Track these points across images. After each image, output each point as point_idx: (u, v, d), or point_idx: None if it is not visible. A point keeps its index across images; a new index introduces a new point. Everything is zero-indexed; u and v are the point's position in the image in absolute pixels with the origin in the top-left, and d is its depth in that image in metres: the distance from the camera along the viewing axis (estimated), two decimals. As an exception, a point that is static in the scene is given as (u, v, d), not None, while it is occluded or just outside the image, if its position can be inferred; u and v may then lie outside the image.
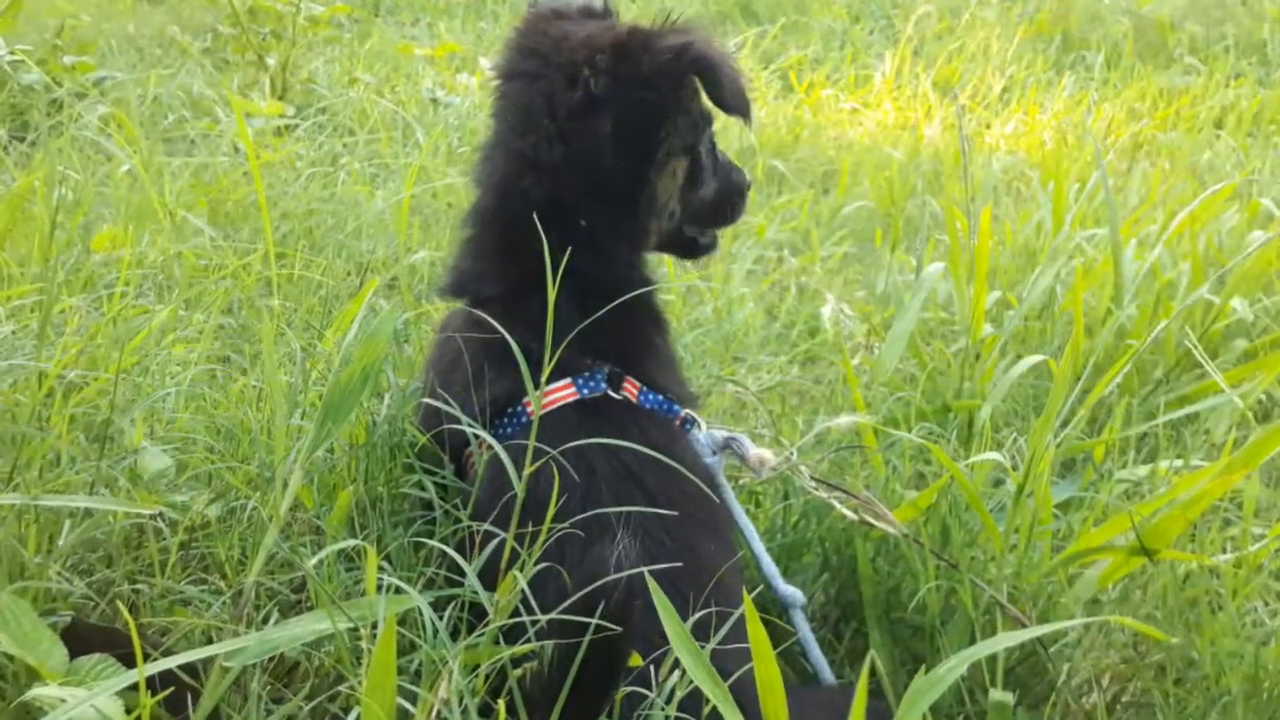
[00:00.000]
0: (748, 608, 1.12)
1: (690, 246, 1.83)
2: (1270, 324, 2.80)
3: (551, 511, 1.33)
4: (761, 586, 1.66)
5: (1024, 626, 1.61)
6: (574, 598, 1.24)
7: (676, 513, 1.44)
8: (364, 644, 1.27)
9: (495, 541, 1.37)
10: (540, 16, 1.69)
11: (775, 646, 1.17)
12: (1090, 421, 2.35)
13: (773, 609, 1.66)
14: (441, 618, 1.34)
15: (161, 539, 1.63)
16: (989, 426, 2.05)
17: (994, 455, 1.84)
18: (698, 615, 1.30)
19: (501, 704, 1.22)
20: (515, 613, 1.31)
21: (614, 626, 1.21)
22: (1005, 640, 1.31)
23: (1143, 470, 2.07)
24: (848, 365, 2.18)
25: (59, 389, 1.76)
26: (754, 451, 1.68)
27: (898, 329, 2.26)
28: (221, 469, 1.71)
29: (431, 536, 1.53)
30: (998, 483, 2.08)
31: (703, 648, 1.18)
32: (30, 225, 2.41)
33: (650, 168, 1.63)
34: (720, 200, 1.78)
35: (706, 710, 1.19)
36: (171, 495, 1.65)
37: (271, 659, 1.47)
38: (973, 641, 1.64)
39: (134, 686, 1.18)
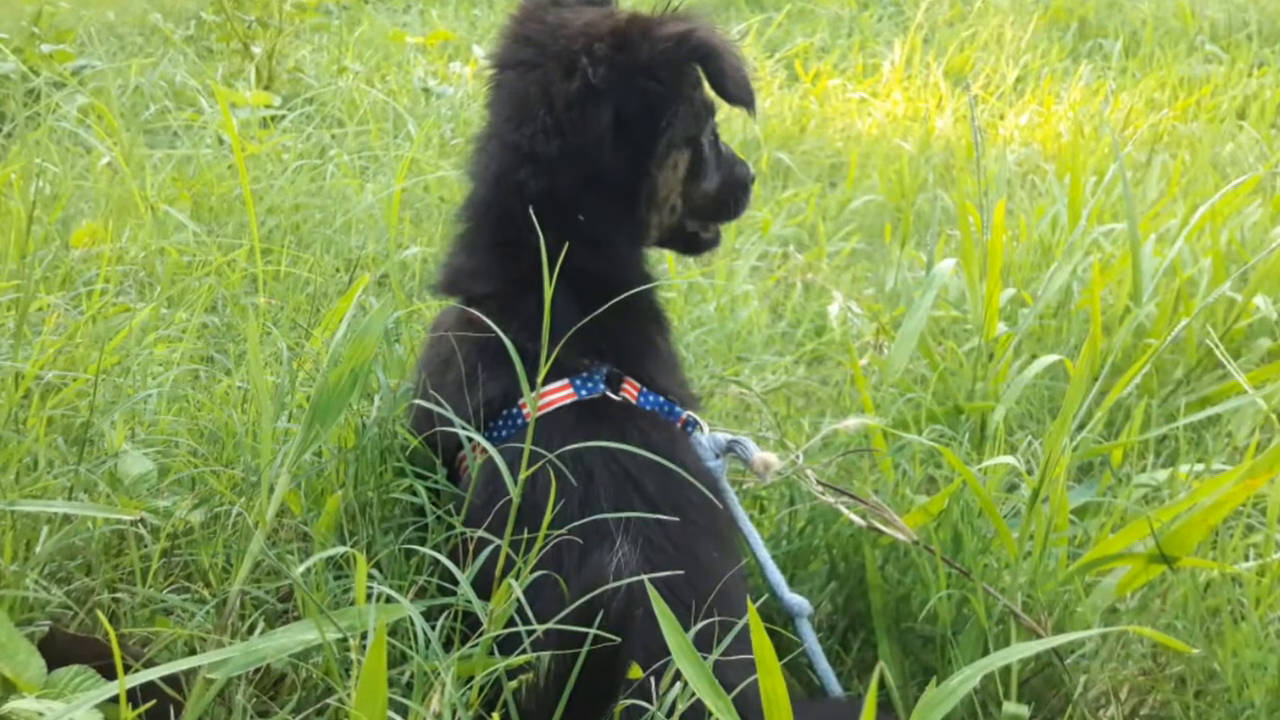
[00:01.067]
0: (752, 617, 1.12)
1: (692, 242, 1.83)
2: (1294, 322, 2.80)
3: (548, 517, 1.33)
4: (766, 595, 1.66)
5: (1039, 637, 1.61)
6: (571, 607, 1.24)
7: (678, 519, 1.44)
8: (353, 655, 1.27)
9: (490, 549, 1.38)
10: (537, 3, 1.69)
11: (781, 657, 1.16)
12: (1108, 424, 2.35)
13: (778, 618, 1.66)
14: (434, 628, 1.34)
15: (143, 546, 1.63)
16: (1002, 429, 2.05)
17: (1008, 459, 1.84)
18: (700, 625, 1.30)
19: (496, 717, 1.22)
20: (510, 623, 1.31)
21: (613, 637, 1.21)
22: (1019, 651, 1.31)
23: (1162, 474, 2.08)
24: (855, 365, 2.18)
25: (36, 390, 1.76)
26: (758, 455, 1.68)
27: (908, 328, 2.26)
28: (205, 473, 1.71)
29: (423, 543, 1.53)
30: (1012, 487, 2.08)
31: (705, 659, 1.18)
32: (6, 220, 2.41)
33: (650, 160, 1.63)
34: (723, 194, 1.78)
35: (709, 724, 1.19)
36: (153, 500, 1.65)
37: (257, 671, 1.48)
38: (985, 652, 1.64)
39: (114, 699, 1.18)
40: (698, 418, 1.68)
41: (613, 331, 1.56)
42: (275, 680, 1.52)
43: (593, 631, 1.21)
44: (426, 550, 1.47)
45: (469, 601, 1.34)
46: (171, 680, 1.28)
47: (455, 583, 1.37)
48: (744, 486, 1.90)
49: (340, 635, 1.29)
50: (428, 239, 2.81)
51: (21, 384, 1.70)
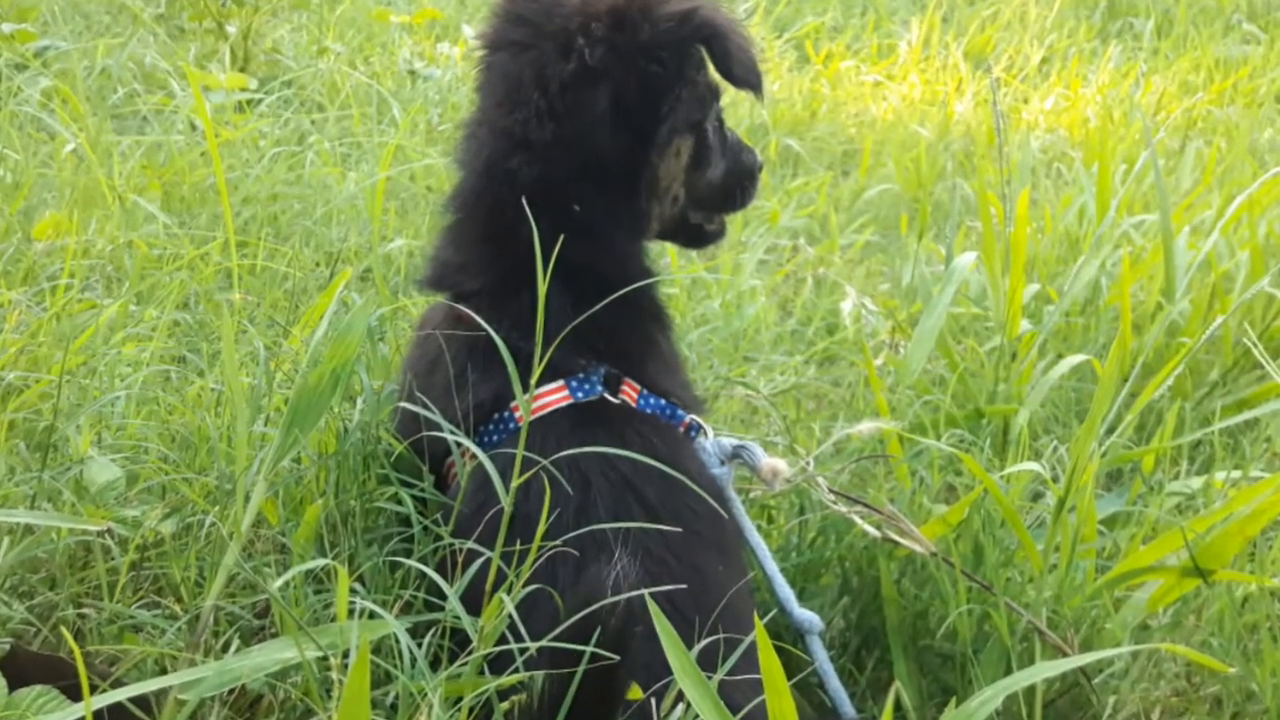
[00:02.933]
0: (759, 634, 1.12)
1: (695, 234, 1.83)
2: (1338, 320, 2.80)
3: (542, 528, 1.33)
4: (774, 611, 1.66)
5: (1065, 655, 1.61)
6: (567, 623, 1.24)
7: (680, 529, 1.44)
8: (334, 674, 1.27)
9: (480, 561, 1.38)
10: (530, -20, 1.69)
11: (790, 677, 1.16)
12: (1138, 428, 2.35)
13: (787, 635, 1.66)
14: (420, 645, 1.34)
15: (110, 558, 1.63)
16: (1026, 433, 2.05)
17: (1032, 465, 1.84)
18: (704, 642, 1.30)
19: (487, 741, 1.22)
20: (502, 640, 1.31)
21: (611, 655, 1.21)
22: (1044, 670, 1.31)
23: (1197, 482, 2.08)
24: (870, 366, 2.18)
25: (-4, 392, 1.76)
26: (766, 461, 1.68)
27: (925, 326, 2.26)
28: (176, 481, 1.71)
29: (409, 555, 1.53)
30: (1036, 496, 2.08)
31: (710, 678, 1.18)
32: (-35, 211, 2.41)
33: (651, 147, 1.63)
34: (729, 183, 1.78)
35: (714, 748, 1.19)
36: (121, 510, 1.65)
37: (232, 691, 1.47)
38: (1008, 671, 1.64)
39: (80, 721, 1.18)
40: (701, 421, 1.68)
41: (611, 330, 1.56)
42: (251, 701, 1.52)
43: (590, 649, 1.21)
44: (412, 563, 1.47)
45: (458, 617, 1.34)
46: (141, 701, 1.28)
47: (443, 597, 1.37)
48: (751, 495, 1.90)
49: (320, 653, 1.29)
50: (414, 231, 2.81)
51: (-19, 385, 1.71)
